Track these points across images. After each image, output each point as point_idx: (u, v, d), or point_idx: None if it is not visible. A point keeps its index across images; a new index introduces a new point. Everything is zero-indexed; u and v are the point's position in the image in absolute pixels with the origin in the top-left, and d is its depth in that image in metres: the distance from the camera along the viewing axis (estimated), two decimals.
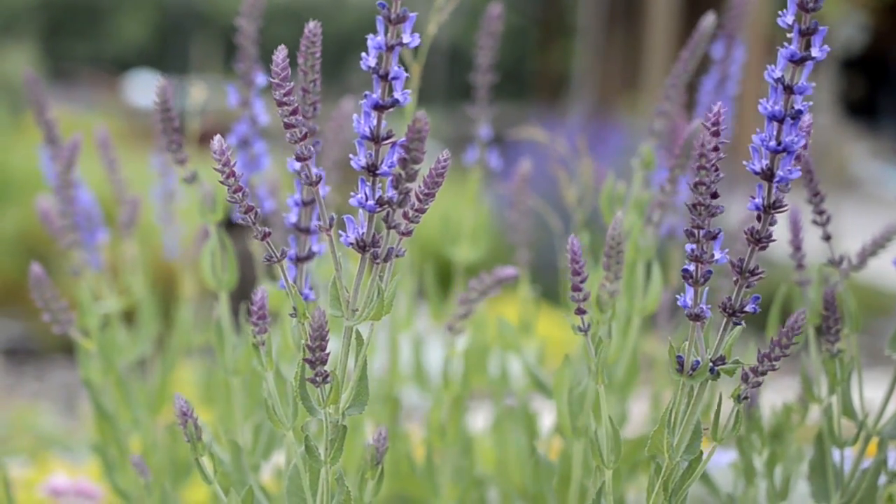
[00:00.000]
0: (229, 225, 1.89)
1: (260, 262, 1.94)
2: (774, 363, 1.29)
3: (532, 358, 2.20)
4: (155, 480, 1.83)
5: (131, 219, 2.21)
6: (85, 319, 1.95)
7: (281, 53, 1.23)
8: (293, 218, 1.51)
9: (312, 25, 1.32)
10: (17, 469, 2.76)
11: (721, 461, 2.05)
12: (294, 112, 1.24)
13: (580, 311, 1.37)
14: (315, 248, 1.52)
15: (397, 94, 1.25)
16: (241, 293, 1.98)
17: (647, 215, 1.83)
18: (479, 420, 2.98)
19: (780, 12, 1.27)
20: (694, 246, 1.27)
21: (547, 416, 2.39)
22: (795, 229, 1.65)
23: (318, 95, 1.40)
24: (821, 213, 1.61)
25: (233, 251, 1.73)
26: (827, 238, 1.63)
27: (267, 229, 1.28)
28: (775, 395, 1.78)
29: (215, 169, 1.25)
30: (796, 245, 1.66)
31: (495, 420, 2.18)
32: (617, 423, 1.86)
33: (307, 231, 1.51)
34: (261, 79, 1.86)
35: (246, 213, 1.26)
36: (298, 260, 1.52)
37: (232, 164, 1.25)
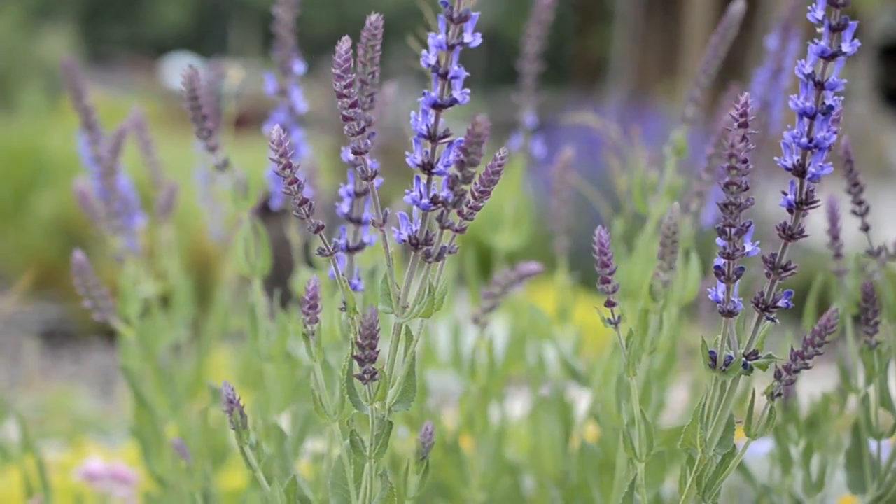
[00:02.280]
0: (265, 209, 1.89)
1: (297, 247, 1.94)
2: (807, 361, 1.28)
3: (567, 346, 2.19)
4: (193, 465, 1.83)
5: (169, 203, 2.21)
6: (126, 307, 1.95)
7: (344, 45, 1.21)
8: (345, 208, 1.50)
9: (374, 18, 1.28)
10: (52, 452, 2.78)
11: (758, 450, 2.04)
12: (354, 105, 1.22)
13: (610, 304, 1.36)
14: (366, 239, 1.51)
15: (456, 94, 1.24)
16: (277, 278, 1.98)
17: (685, 204, 1.82)
18: (518, 407, 2.97)
19: (809, 7, 1.26)
20: (726, 243, 1.26)
21: (583, 405, 2.38)
22: (833, 219, 1.64)
23: (377, 87, 1.38)
24: (860, 203, 1.60)
25: (266, 238, 1.72)
26: (866, 229, 1.62)
27: (321, 222, 1.26)
28: (813, 383, 1.77)
29: (271, 159, 1.23)
30: (834, 234, 1.65)
31: (532, 408, 2.17)
32: (655, 411, 1.86)
33: (359, 221, 1.50)
34: (299, 67, 1.85)
35: (300, 205, 1.25)
36: (349, 250, 1.51)
37: (290, 154, 1.24)
